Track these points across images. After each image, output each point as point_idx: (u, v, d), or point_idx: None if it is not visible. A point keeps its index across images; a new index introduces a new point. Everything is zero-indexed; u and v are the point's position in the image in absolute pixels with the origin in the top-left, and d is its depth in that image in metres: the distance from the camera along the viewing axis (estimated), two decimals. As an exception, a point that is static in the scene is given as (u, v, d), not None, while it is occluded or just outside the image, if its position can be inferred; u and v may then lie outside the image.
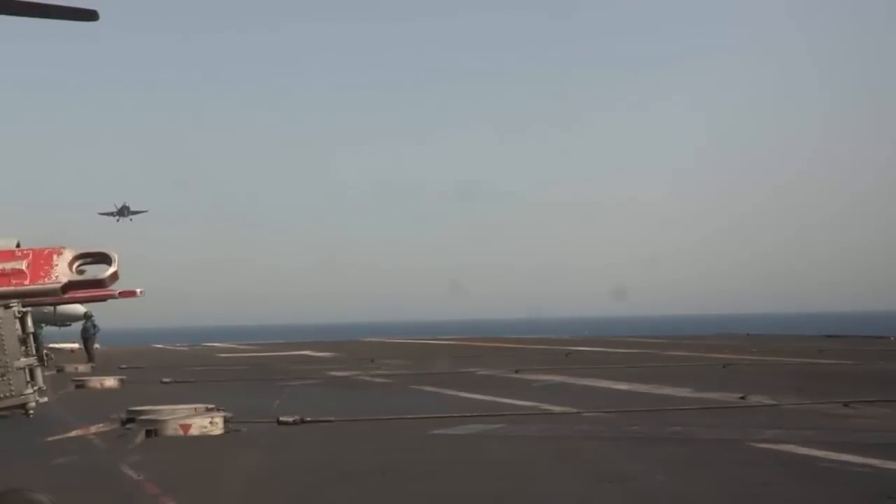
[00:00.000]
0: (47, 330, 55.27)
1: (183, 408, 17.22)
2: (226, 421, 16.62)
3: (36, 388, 7.79)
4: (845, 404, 18.97)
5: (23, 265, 7.60)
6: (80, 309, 50.32)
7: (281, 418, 17.39)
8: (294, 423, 17.17)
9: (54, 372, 34.34)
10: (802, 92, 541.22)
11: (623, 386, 24.79)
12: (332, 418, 17.71)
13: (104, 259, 7.70)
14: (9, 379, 7.64)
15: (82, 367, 38.50)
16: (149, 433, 16.07)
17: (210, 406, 17.41)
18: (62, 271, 7.60)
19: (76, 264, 7.67)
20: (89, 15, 21.52)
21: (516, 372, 30.31)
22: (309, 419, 17.37)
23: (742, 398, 20.49)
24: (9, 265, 7.60)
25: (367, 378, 30.27)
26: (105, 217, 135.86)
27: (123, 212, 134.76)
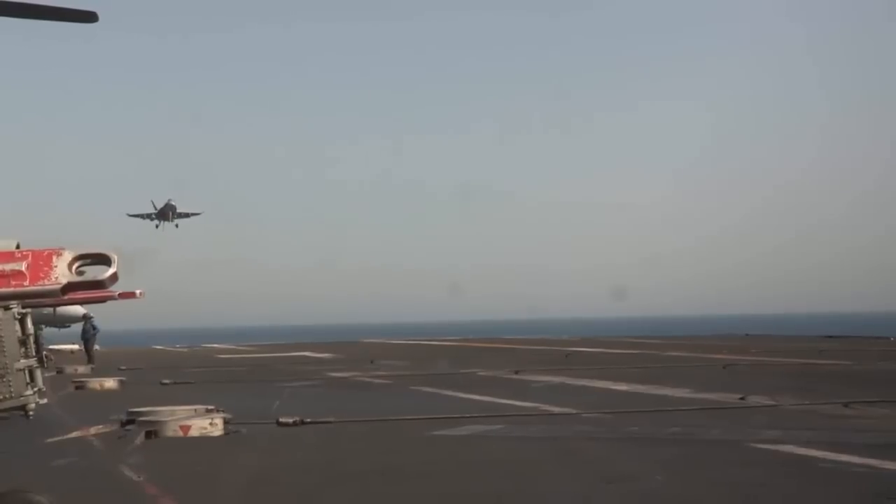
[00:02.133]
0: (47, 331, 55.29)
1: (183, 409, 17.22)
2: (225, 422, 16.61)
3: (36, 389, 7.79)
4: (845, 405, 18.98)
5: (22, 266, 7.61)
6: (79, 310, 50.31)
7: (281, 419, 17.39)
8: (294, 424, 17.17)
9: (54, 373, 34.34)
10: (803, 92, 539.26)
11: (622, 387, 24.80)
12: (331, 419, 17.71)
13: (104, 260, 7.70)
14: (8, 380, 7.64)
15: (82, 369, 38.49)
16: (148, 434, 16.07)
17: (210, 407, 17.41)
18: (62, 272, 7.61)
19: (76, 265, 7.67)
20: (89, 16, 21.50)
21: (516, 373, 30.32)
22: (309, 420, 17.37)
23: (742, 399, 20.51)
24: (8, 266, 7.61)
25: (366, 379, 30.27)
26: (138, 220, 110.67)
27: (167, 213, 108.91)
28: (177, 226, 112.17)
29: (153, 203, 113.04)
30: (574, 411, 19.04)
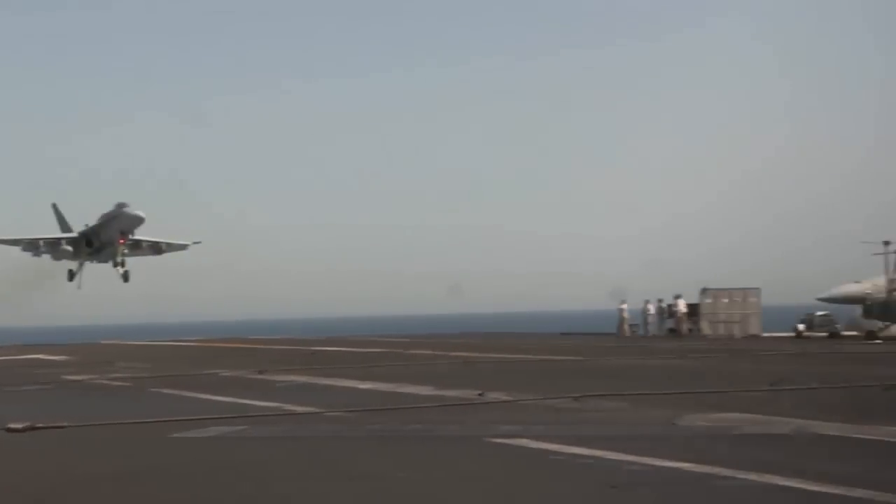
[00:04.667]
0: None
1: None
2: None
3: None
4: (575, 399, 19.95)
5: None
6: None
7: (10, 425, 16.57)
8: (24, 429, 16.40)
9: None
10: (804, 91, 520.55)
11: (366, 385, 25.08)
12: (65, 424, 17.02)
13: None
14: None
15: None
16: None
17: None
18: None
19: None
20: None
21: (260, 373, 30.07)
22: (41, 425, 16.64)
23: (480, 395, 21.17)
24: None
25: (104, 382, 29.19)
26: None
27: (105, 239, 59.48)
28: (125, 275, 60.74)
29: (57, 215, 62.54)
30: (318, 410, 19.11)
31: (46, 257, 61.78)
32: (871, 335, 56.28)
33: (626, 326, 66.10)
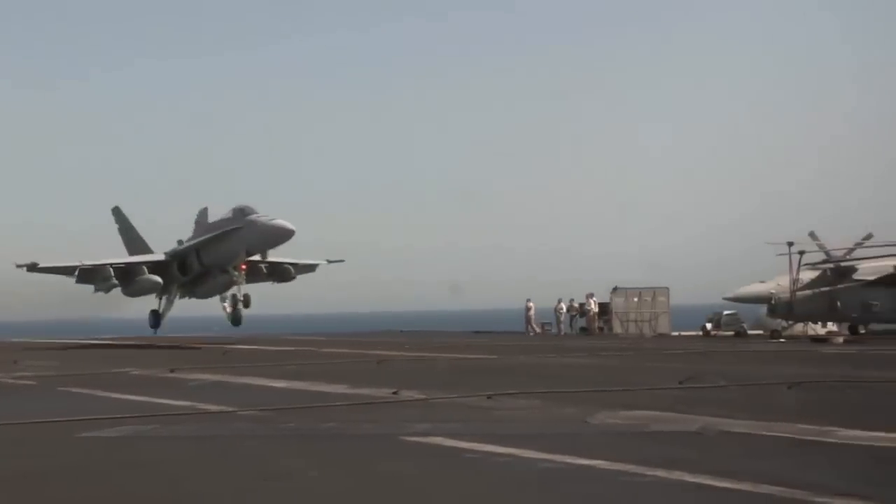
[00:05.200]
0: None
1: None
2: None
3: None
4: (488, 397, 20.10)
5: None
6: None
7: (-90, 425, 16.14)
8: (-74, 430, 15.99)
9: None
10: (807, 90, 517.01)
11: (280, 384, 24.94)
12: (-32, 424, 16.65)
13: None
14: None
15: None
16: None
17: None
18: None
19: None
20: None
21: (171, 371, 29.72)
22: (-57, 425, 16.25)
23: (394, 393, 21.22)
24: None
25: (8, 380, 28.55)
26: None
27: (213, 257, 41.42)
28: (236, 315, 45.57)
29: (121, 225, 46.52)
30: (230, 409, 18.96)
31: (116, 291, 43.36)
32: (775, 334, 57.68)
33: (532, 324, 66.82)
